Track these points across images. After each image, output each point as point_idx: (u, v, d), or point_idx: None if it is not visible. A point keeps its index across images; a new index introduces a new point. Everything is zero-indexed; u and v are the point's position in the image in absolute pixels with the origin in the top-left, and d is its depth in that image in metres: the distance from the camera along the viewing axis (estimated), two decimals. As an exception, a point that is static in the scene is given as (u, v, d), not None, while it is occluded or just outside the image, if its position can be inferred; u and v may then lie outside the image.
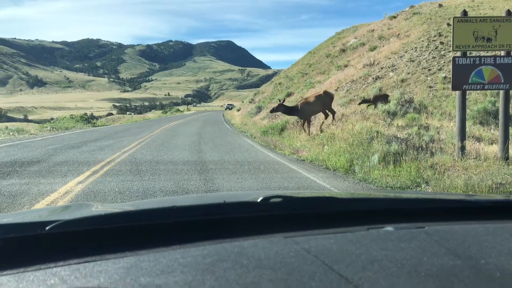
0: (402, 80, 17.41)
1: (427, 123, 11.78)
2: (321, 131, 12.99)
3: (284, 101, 14.35)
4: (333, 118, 13.67)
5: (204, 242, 1.12)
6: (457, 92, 8.26)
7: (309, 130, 13.52)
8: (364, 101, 14.98)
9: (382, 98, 14.45)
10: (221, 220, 1.31)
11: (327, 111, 13.72)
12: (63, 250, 1.06)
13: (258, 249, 1.05)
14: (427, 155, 8.05)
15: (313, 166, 9.15)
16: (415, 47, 20.46)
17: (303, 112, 13.70)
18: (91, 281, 0.89)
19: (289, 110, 13.97)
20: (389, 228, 1.24)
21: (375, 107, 14.25)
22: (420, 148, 8.42)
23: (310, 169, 8.72)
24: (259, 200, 1.35)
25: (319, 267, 0.95)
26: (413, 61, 18.95)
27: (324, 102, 13.54)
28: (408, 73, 17.90)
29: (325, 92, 13.98)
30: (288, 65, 60.00)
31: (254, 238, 1.15)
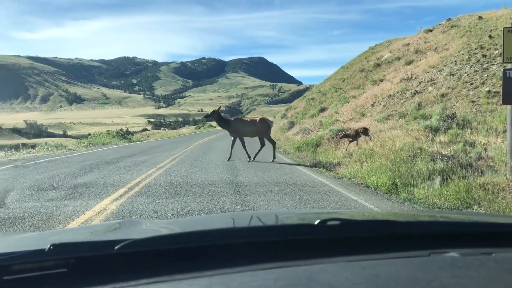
0: (443, 95, 16.75)
1: (472, 139, 11.17)
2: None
3: (219, 108, 13.94)
4: (273, 147, 13.44)
5: (265, 264, 1.11)
6: (508, 107, 7.74)
7: (232, 151, 13.35)
8: (345, 135, 13.67)
9: (362, 132, 13.13)
10: (277, 242, 1.31)
11: (264, 139, 13.48)
12: (130, 270, 1.07)
13: (327, 274, 1.04)
14: (476, 173, 7.53)
15: (352, 184, 8.77)
16: (455, 61, 19.74)
17: (233, 128, 13.46)
18: None
19: (222, 121, 13.71)
20: (454, 253, 1.21)
21: (357, 143, 13.02)
22: (468, 166, 7.91)
23: (350, 187, 8.35)
24: (316, 223, 1.33)
25: None
26: (453, 75, 18.25)
27: (258, 129, 13.31)
28: (449, 88, 17.22)
29: (261, 119, 13.74)
30: (320, 80, 59.71)
31: (319, 262, 1.14)
